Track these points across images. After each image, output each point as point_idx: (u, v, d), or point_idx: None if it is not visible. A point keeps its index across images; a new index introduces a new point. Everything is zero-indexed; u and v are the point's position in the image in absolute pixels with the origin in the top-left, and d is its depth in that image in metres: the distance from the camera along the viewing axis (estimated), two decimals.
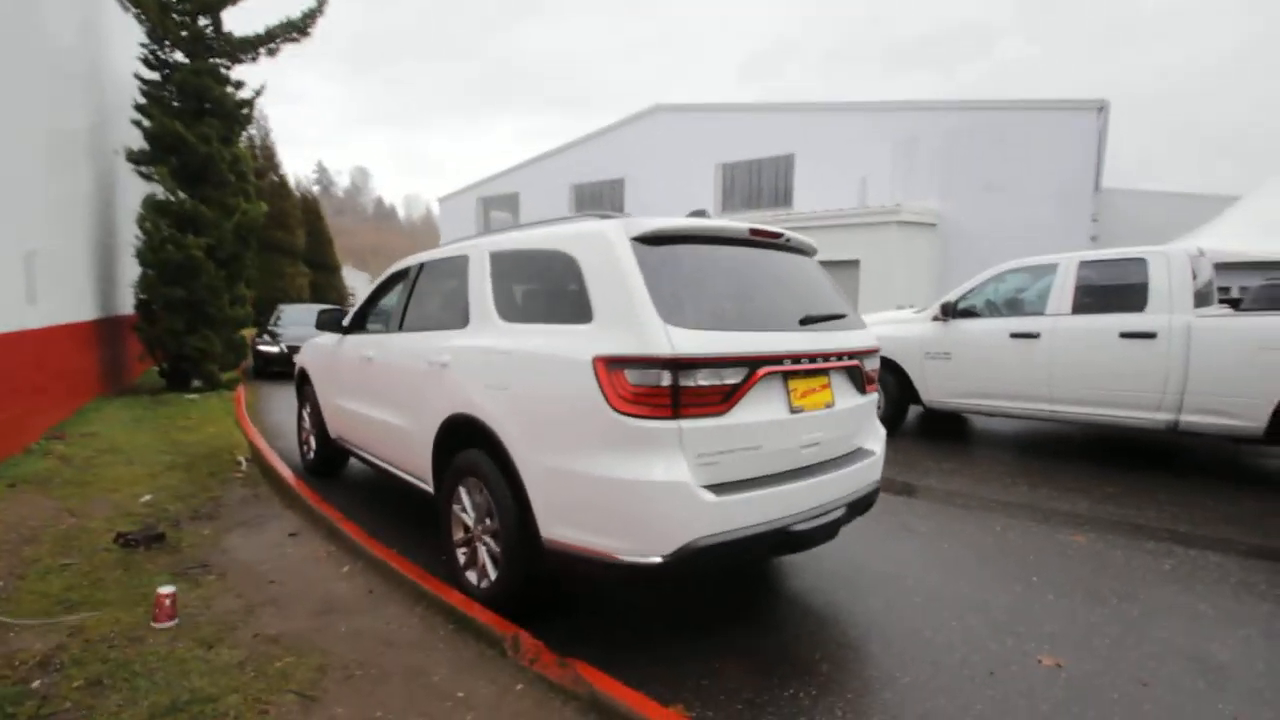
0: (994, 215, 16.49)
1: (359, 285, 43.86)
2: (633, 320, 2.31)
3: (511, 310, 2.95)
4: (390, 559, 3.25)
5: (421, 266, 3.87)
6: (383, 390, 3.82)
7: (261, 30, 8.70)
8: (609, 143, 23.67)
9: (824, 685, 2.36)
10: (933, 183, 17.40)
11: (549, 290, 2.80)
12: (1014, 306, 6.27)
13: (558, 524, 2.46)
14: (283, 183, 23.60)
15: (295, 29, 8.75)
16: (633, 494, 2.25)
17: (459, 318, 3.27)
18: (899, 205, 15.71)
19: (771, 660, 2.53)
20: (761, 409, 2.45)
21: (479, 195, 28.06)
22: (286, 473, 4.93)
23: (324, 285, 26.29)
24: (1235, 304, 6.19)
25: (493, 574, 2.82)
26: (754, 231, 2.78)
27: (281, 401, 9.28)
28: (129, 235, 8.52)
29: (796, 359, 2.55)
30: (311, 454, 5.23)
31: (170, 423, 6.97)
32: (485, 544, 2.88)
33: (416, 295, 3.85)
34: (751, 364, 2.40)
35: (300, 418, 5.47)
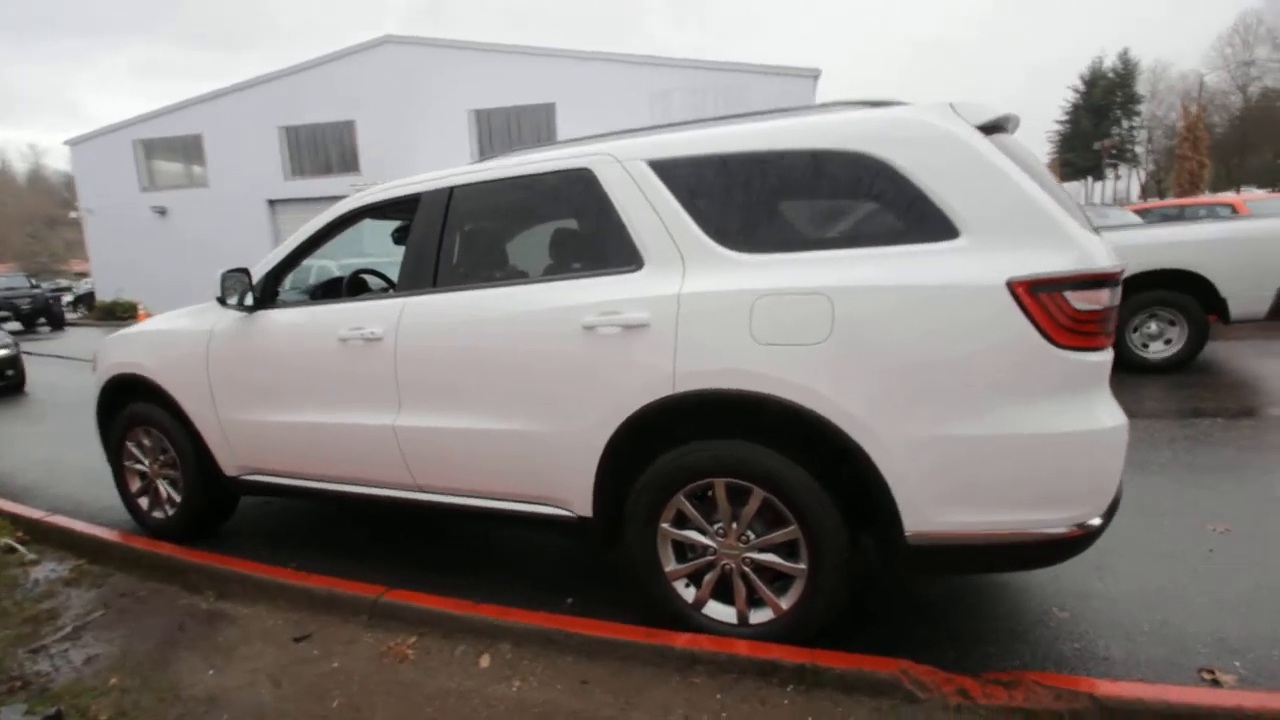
0: None
1: None
2: (1050, 227, 1.78)
3: (746, 237, 2.08)
4: (562, 624, 2.16)
5: (451, 192, 2.56)
6: (425, 383, 2.48)
7: None
8: (327, 78, 19.83)
9: None
10: None
11: (829, 203, 2.03)
12: None
13: (943, 509, 1.84)
14: None
15: None
16: (1082, 448, 1.77)
17: (612, 257, 2.23)
18: None
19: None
20: None
21: (136, 138, 21.23)
22: (150, 543, 3.01)
23: None
24: None
25: (784, 602, 2.05)
26: None
27: None
28: None
29: None
30: (167, 509, 3.29)
31: None
32: (753, 563, 2.07)
33: (456, 236, 2.55)
34: None
35: (122, 455, 3.39)
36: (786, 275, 1.95)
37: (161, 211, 21.26)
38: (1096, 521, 1.82)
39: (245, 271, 2.84)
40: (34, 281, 20.29)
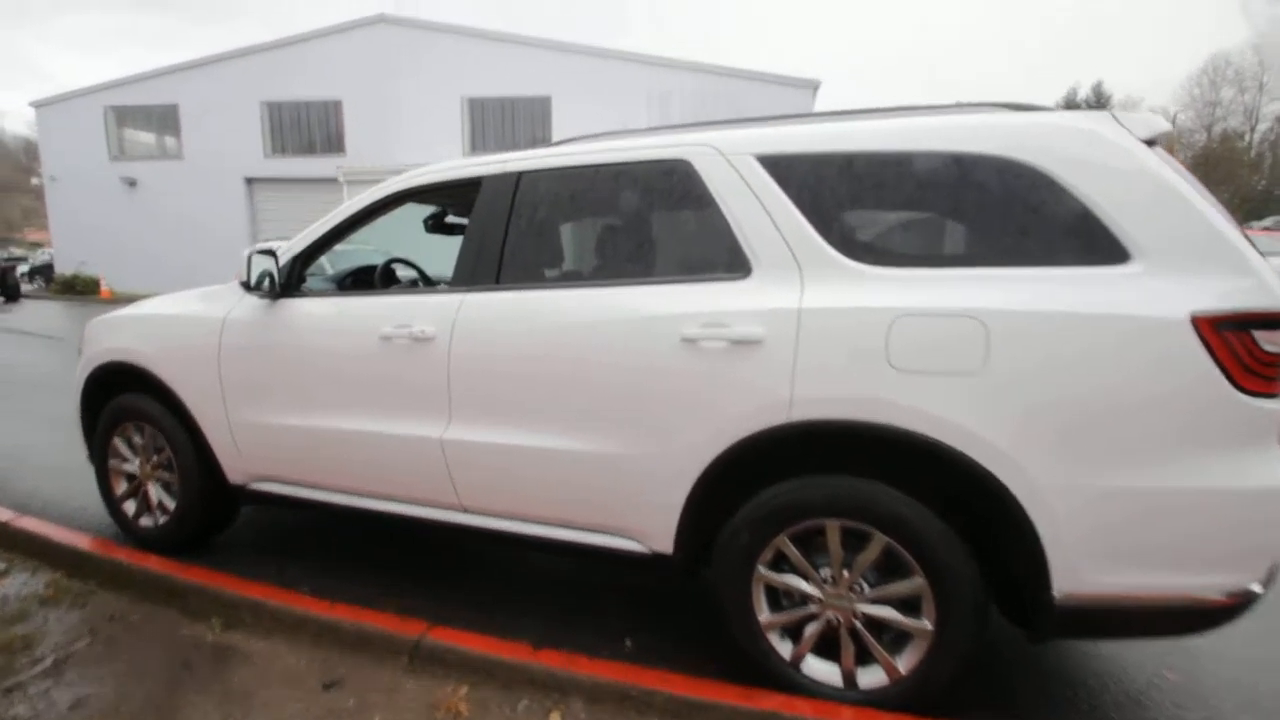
0: None
1: None
2: (1230, 255, 1.59)
3: (874, 247, 1.85)
4: (639, 678, 1.89)
5: (519, 178, 2.27)
6: (483, 393, 2.19)
7: None
8: (314, 55, 19.12)
9: None
10: None
11: (975, 215, 1.79)
12: None
13: (1099, 568, 1.63)
14: None
15: None
16: (1256, 506, 1.57)
17: (712, 261, 1.99)
18: None
19: None
20: None
21: (108, 104, 20.19)
22: (143, 557, 2.65)
23: None
24: None
25: (901, 664, 1.81)
26: None
27: None
28: None
29: None
30: (158, 516, 2.93)
31: None
32: (864, 617, 1.83)
33: (524, 227, 2.26)
34: None
35: (108, 452, 3.01)
36: (930, 294, 1.71)
37: (131, 183, 20.26)
38: (1257, 589, 1.63)
39: (272, 254, 2.51)
40: None
